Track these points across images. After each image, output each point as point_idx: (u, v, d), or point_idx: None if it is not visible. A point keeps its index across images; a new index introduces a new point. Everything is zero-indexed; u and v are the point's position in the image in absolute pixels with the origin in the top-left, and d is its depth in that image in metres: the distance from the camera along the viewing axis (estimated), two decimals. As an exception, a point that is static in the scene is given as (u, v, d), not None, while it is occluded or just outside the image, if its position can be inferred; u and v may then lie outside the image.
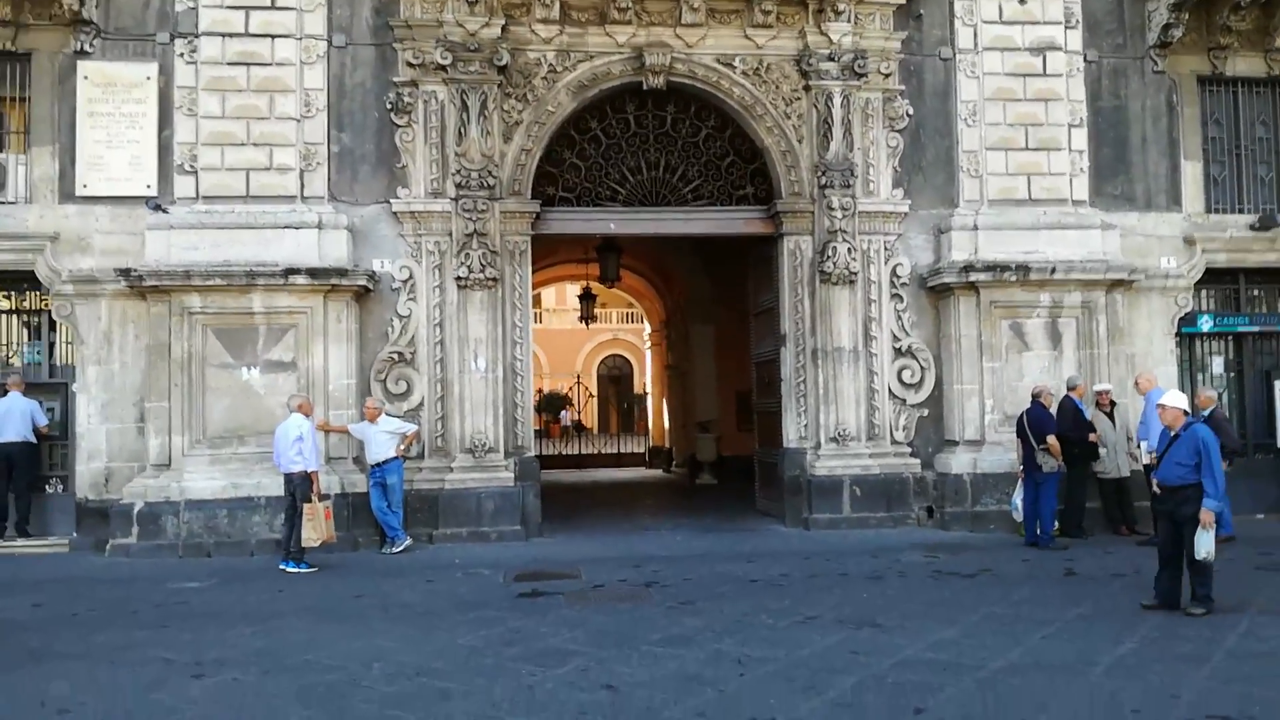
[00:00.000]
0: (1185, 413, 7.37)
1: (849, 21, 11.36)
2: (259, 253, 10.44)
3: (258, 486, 10.20)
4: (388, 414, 10.49)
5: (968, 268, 11.28)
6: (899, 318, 11.66)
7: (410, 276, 10.95)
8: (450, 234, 10.92)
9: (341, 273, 10.45)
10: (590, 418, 42.79)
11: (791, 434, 11.62)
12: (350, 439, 10.57)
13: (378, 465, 10.19)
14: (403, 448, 10.33)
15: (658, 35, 11.25)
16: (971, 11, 11.70)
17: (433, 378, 10.90)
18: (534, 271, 23.52)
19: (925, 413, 11.65)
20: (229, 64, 10.65)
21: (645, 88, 11.37)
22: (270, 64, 10.70)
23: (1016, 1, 11.68)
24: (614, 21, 11.14)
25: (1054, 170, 11.74)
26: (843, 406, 11.36)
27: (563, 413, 38.19)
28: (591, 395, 32.67)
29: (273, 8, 10.71)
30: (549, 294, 44.22)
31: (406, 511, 10.43)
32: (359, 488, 10.45)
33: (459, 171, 10.86)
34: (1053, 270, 11.34)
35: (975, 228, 11.54)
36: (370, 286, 10.78)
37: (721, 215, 11.86)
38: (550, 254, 21.31)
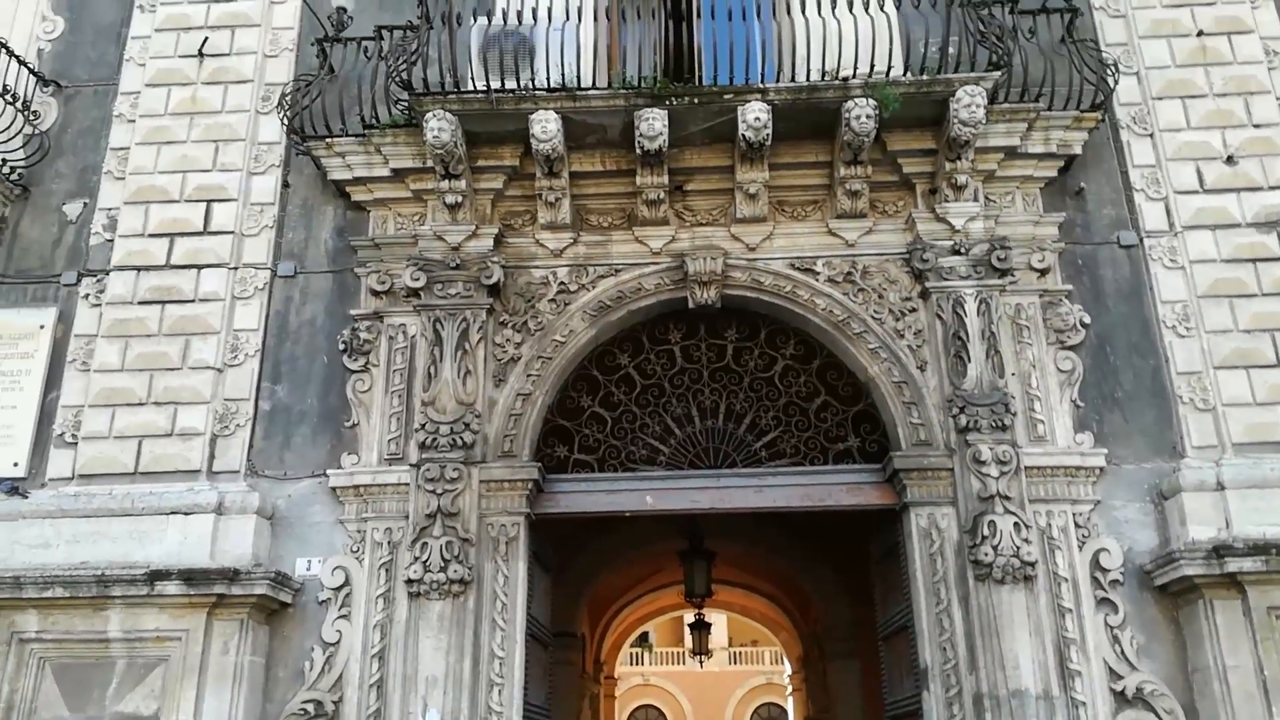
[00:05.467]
0: None
1: (974, 200, 8.01)
2: (129, 551, 7.25)
3: None
4: (277, 806, 6.58)
5: (1220, 551, 6.88)
6: (1115, 639, 7.15)
7: (345, 582, 7.41)
8: (408, 517, 7.50)
9: (232, 576, 7.03)
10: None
11: (956, 845, 6.86)
12: (223, 847, 6.64)
13: None
14: None
15: (705, 236, 8.16)
16: (1157, 181, 8.18)
17: (363, 742, 7.00)
18: (638, 596, 20.08)
19: (1184, 811, 6.76)
20: (140, 303, 8.10)
21: (691, 305, 8.11)
22: (191, 300, 8.10)
23: (1221, 163, 8.13)
24: (645, 222, 8.16)
25: (1332, 395, 7.53)
26: (1038, 798, 6.64)
27: None
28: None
29: (205, 233, 8.32)
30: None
31: None
32: None
33: (424, 426, 7.62)
34: (1371, 550, 6.82)
35: (1220, 486, 7.26)
36: (284, 599, 7.28)
37: (812, 480, 7.92)
38: (654, 570, 17.50)
